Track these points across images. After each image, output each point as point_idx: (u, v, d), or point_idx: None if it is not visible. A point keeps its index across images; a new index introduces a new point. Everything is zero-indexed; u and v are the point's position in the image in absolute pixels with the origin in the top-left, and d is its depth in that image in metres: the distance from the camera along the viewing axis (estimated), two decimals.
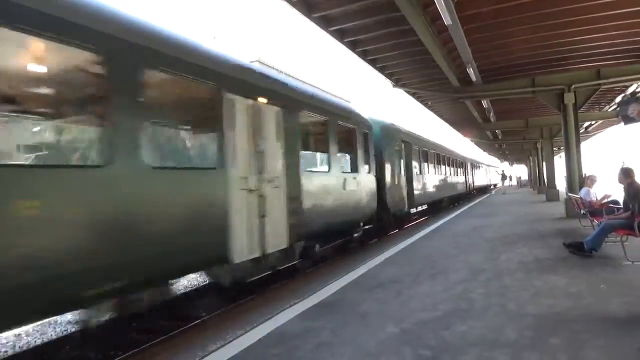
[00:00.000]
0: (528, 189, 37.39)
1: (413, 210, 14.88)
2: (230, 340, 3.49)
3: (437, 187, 17.45)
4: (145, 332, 4.65)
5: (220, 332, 4.47)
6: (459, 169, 24.40)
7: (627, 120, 11.36)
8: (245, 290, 5.84)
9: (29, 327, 5.18)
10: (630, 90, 14.18)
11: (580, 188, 9.89)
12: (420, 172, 14.81)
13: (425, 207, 16.97)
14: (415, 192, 13.53)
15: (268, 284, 6.28)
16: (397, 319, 3.70)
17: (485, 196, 29.62)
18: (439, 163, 18.36)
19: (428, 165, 16.23)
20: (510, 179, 49.62)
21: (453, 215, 14.40)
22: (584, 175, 10.94)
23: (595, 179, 8.72)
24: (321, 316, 3.93)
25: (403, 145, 12.81)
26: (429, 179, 16.16)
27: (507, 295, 4.24)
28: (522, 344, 2.98)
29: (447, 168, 20.47)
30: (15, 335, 5.07)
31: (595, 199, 7.96)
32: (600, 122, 22.17)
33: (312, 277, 6.98)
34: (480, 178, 37.88)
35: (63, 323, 5.34)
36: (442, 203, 19.24)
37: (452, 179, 21.89)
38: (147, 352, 4.19)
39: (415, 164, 14.22)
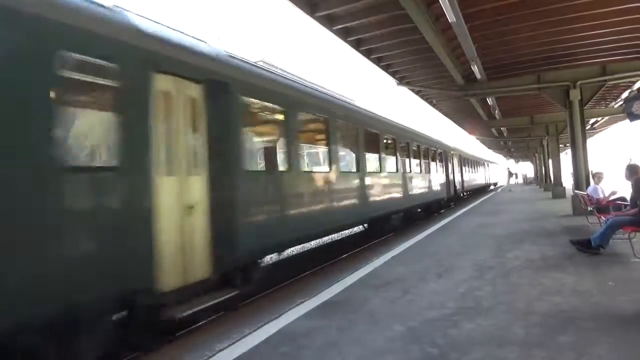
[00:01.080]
0: (534, 186, 37.21)
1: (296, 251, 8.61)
2: (237, 339, 3.50)
3: (366, 194, 9.39)
4: (150, 332, 4.67)
5: (226, 332, 4.48)
6: (432, 163, 16.16)
7: (633, 117, 11.31)
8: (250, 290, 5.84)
9: None
10: (636, 86, 14.07)
11: (587, 185, 9.83)
12: (303, 166, 7.28)
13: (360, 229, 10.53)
14: (290, 212, 6.23)
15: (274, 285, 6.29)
16: (404, 317, 3.70)
17: (490, 194, 29.48)
18: (377, 151, 10.46)
19: (336, 151, 8.12)
20: (516, 177, 49.39)
21: (459, 213, 14.35)
22: (590, 172, 10.87)
23: (602, 175, 8.66)
24: (328, 315, 3.94)
25: (198, 90, 4.63)
26: (340, 179, 8.04)
27: (514, 293, 4.23)
28: (530, 342, 2.96)
29: (403, 160, 12.58)
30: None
31: (602, 196, 7.91)
32: (606, 118, 22.03)
33: (317, 276, 7.00)
34: (476, 176, 30.44)
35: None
36: (391, 219, 11.48)
37: (416, 178, 13.74)
38: (154, 352, 4.21)
39: (285, 144, 6.48)
